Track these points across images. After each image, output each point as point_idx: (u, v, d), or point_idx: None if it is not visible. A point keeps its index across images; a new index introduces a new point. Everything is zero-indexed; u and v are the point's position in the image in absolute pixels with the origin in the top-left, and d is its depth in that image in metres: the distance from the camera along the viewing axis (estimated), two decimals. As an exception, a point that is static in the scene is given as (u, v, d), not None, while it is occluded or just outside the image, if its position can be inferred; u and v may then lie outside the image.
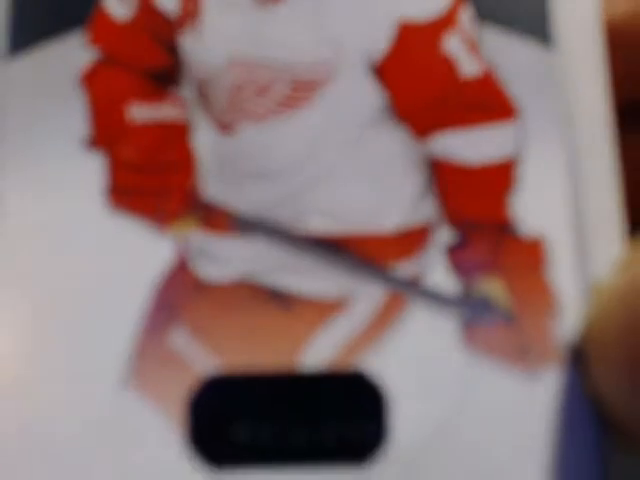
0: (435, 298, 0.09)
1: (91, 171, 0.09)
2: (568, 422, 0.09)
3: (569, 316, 0.09)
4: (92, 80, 0.10)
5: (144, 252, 0.09)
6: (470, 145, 0.10)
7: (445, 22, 0.10)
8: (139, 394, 0.09)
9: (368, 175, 0.10)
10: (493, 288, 0.09)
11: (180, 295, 0.09)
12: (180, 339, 0.09)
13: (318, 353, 0.09)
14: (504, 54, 0.10)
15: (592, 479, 0.09)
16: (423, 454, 0.09)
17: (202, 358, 0.09)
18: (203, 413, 0.09)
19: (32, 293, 0.09)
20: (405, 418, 0.09)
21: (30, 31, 0.10)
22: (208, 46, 0.10)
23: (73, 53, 0.10)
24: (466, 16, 0.10)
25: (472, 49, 0.10)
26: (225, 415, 0.09)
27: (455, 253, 0.09)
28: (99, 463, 0.09)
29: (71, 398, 0.09)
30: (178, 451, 0.09)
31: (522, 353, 0.09)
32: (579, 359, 0.09)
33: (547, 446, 0.09)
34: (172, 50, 0.10)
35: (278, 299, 0.09)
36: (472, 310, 0.09)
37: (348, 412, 0.09)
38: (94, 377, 0.09)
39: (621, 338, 0.08)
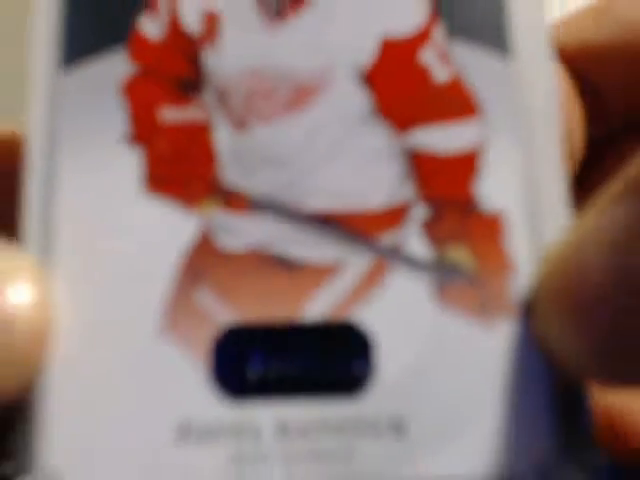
0: (413, 263, 0.11)
1: (132, 162, 0.12)
2: (520, 361, 0.11)
3: (523, 277, 0.11)
4: (131, 88, 0.12)
5: (176, 227, 0.11)
6: (441, 138, 0.12)
7: (421, 37, 0.12)
8: (172, 340, 0.11)
9: (358, 163, 0.12)
10: (460, 254, 0.11)
11: (204, 261, 0.11)
12: (204, 297, 0.11)
13: (316, 308, 0.11)
14: (469, 62, 0.12)
15: (539, 409, 0.11)
16: (402, 387, 0.11)
17: (222, 312, 0.11)
18: (223, 356, 0.11)
19: (86, 261, 0.11)
20: (387, 358, 0.11)
21: (80, 48, 0.12)
22: (225, 60, 0.12)
23: (116, 66, 0.12)
24: (438, 31, 0.12)
25: (443, 59, 0.12)
26: (241, 357, 0.11)
27: (429, 226, 0.11)
28: (139, 396, 0.11)
29: (118, 343, 0.11)
30: (203, 386, 0.11)
31: (483, 307, 0.11)
32: (530, 312, 0.11)
33: (503, 379, 0.11)
34: (196, 63, 0.12)
35: (284, 265, 0.11)
36: (443, 272, 0.11)
37: (341, 353, 0.11)
38: (136, 327, 0.11)
39: (561, 291, 0.10)
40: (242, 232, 0.11)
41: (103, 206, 0.11)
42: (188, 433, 0.11)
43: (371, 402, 0.11)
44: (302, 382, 0.11)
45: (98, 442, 0.11)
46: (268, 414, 0.11)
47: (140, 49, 0.12)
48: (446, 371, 0.11)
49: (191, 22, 0.12)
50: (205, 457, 0.10)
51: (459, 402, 0.11)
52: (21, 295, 0.10)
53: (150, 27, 0.12)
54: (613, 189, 0.10)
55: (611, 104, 0.16)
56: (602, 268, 0.09)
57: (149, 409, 0.11)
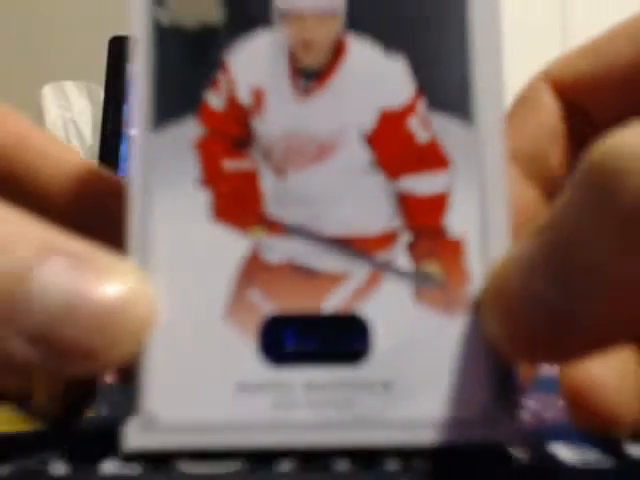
0: (399, 273, 0.16)
1: (203, 199, 0.16)
2: (470, 342, 0.16)
3: (476, 284, 0.16)
4: (201, 145, 0.16)
5: (234, 245, 0.16)
6: (421, 184, 0.16)
7: (409, 109, 0.16)
8: (232, 324, 0.16)
9: (362, 201, 0.16)
10: (433, 268, 0.16)
11: (254, 270, 0.16)
12: (254, 294, 0.16)
13: (331, 303, 0.16)
14: (443, 128, 0.16)
15: (481, 374, 0.15)
16: (389, 359, 0.16)
17: (267, 305, 0.16)
18: (267, 335, 0.16)
19: (173, 267, 0.16)
20: (379, 339, 0.16)
21: (164, 116, 0.17)
22: (268, 125, 0.17)
23: (190, 128, 0.17)
24: (421, 105, 0.16)
25: (425, 125, 0.16)
26: (279, 336, 0.16)
27: (411, 247, 0.16)
28: (210, 362, 0.16)
29: (196, 325, 0.16)
30: (254, 356, 0.16)
31: (448, 306, 0.16)
32: (478, 309, 0.16)
33: (459, 354, 0.16)
34: (247, 126, 0.17)
35: (309, 273, 0.16)
36: (420, 280, 0.16)
37: (347, 335, 0.16)
38: (208, 314, 0.16)
39: (493, 298, 0.15)
40: (280, 250, 0.16)
41: (184, 230, 0.16)
42: (244, 388, 0.16)
43: (368, 369, 0.16)
44: (321, 354, 0.16)
45: (181, 394, 0.16)
46: (298, 376, 0.16)
47: (207, 116, 0.16)
48: (420, 348, 0.16)
49: (243, 96, 0.17)
50: (255, 405, 0.16)
51: (429, 369, 0.16)
52: (132, 288, 0.15)
53: (214, 99, 0.17)
54: (537, 223, 0.15)
55: (602, 126, 0.18)
56: (518, 286, 0.14)
57: (217, 372, 0.16)
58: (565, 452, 0.15)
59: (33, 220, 0.15)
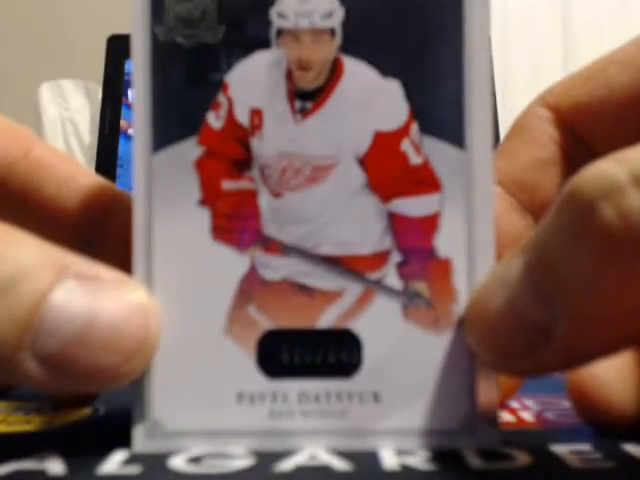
0: (389, 291, 0.17)
1: (203, 218, 0.17)
2: (454, 357, 0.17)
3: (462, 303, 0.17)
4: (201, 165, 0.17)
5: (233, 263, 0.17)
6: (413, 206, 0.17)
7: (402, 132, 0.17)
8: (232, 338, 0.17)
9: (355, 222, 0.17)
10: (421, 287, 0.17)
11: (252, 287, 0.17)
12: (253, 310, 0.17)
13: (326, 319, 0.17)
14: (434, 151, 0.17)
15: (464, 387, 0.17)
16: (379, 372, 0.17)
17: (264, 320, 0.17)
18: (265, 349, 0.17)
19: (175, 285, 0.17)
20: (370, 353, 0.17)
21: (165, 137, 0.17)
22: (266, 146, 0.17)
23: (189, 149, 0.17)
24: (414, 128, 0.17)
25: (416, 148, 0.17)
26: (276, 350, 0.17)
27: (401, 267, 0.17)
28: (211, 374, 0.17)
29: (197, 339, 0.17)
30: (252, 368, 0.17)
31: (434, 323, 0.17)
32: (463, 326, 0.17)
33: (444, 368, 0.17)
34: (246, 147, 0.17)
35: (304, 290, 0.17)
36: (409, 299, 0.17)
37: (341, 349, 0.17)
38: (209, 328, 0.17)
39: (474, 317, 0.16)
40: (277, 268, 0.17)
41: (185, 249, 0.17)
42: (243, 398, 0.17)
43: (359, 381, 0.17)
44: (315, 367, 0.17)
45: (184, 403, 0.17)
46: (293, 387, 0.17)
47: (206, 136, 0.17)
48: (409, 363, 0.17)
49: (242, 117, 0.17)
50: (253, 414, 0.17)
51: (416, 382, 0.17)
52: (142, 307, 0.16)
53: (214, 120, 0.17)
54: (516, 247, 0.15)
55: (598, 152, 0.18)
56: (500, 303, 0.15)
57: (218, 383, 0.17)
58: (566, 453, 0.16)
59: (45, 244, 0.15)
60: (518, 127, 0.20)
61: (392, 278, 0.17)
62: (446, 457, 0.16)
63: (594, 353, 0.15)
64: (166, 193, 0.17)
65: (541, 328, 0.14)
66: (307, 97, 0.17)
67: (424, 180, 0.17)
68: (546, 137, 0.19)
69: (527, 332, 0.14)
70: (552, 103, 0.19)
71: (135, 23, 0.17)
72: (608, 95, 0.18)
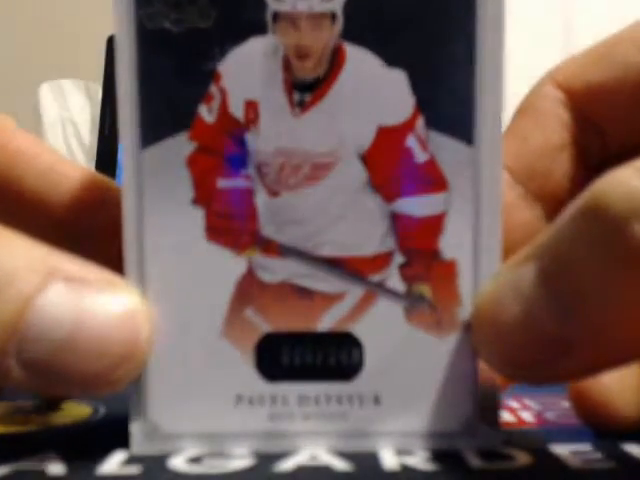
0: (392, 294, 0.16)
1: (196, 218, 0.16)
2: (457, 361, 0.16)
3: (467, 306, 0.16)
4: (193, 162, 0.16)
5: (230, 265, 0.16)
6: (417, 206, 0.16)
7: (407, 127, 0.16)
8: (230, 341, 0.16)
9: (356, 222, 0.16)
10: (424, 289, 0.16)
11: (249, 289, 0.16)
12: (250, 313, 0.16)
13: (326, 322, 0.16)
14: (441, 148, 0.16)
15: (467, 390, 0.16)
16: (380, 374, 0.16)
17: (262, 323, 0.16)
18: (263, 351, 0.16)
19: (169, 288, 0.16)
20: (371, 356, 0.16)
21: (154, 132, 0.16)
22: (263, 141, 0.16)
23: (181, 145, 0.16)
24: (420, 123, 0.16)
25: (422, 145, 0.16)
26: (275, 353, 0.16)
27: (403, 269, 0.16)
28: (209, 377, 0.16)
29: (195, 342, 0.16)
30: (251, 371, 0.16)
31: (438, 325, 0.16)
32: (469, 329, 0.16)
33: (446, 372, 0.16)
34: (241, 142, 0.16)
35: (304, 293, 0.16)
36: (411, 301, 0.16)
37: (342, 352, 0.16)
38: (207, 331, 0.16)
39: (486, 325, 0.15)
40: (274, 270, 0.16)
41: (177, 249, 0.16)
42: (242, 401, 0.16)
43: (360, 383, 0.16)
44: (315, 369, 0.16)
45: (182, 406, 0.16)
46: (293, 389, 0.16)
47: (199, 131, 0.16)
48: (410, 365, 0.16)
49: (236, 110, 0.16)
50: (252, 417, 0.16)
51: (417, 385, 0.16)
52: (133, 310, 0.15)
53: (206, 114, 0.16)
54: (526, 249, 0.15)
55: (611, 138, 0.18)
56: (516, 311, 0.14)
57: (216, 385, 0.16)
58: (566, 453, 0.16)
59: (32, 243, 0.15)
60: (528, 107, 0.18)
61: (394, 280, 0.16)
62: (446, 457, 0.16)
63: (614, 363, 0.14)
64: (157, 192, 0.16)
65: (561, 341, 0.14)
66: (306, 88, 0.16)
67: (430, 178, 0.16)
68: (558, 120, 0.18)
69: (545, 344, 0.14)
70: (563, 83, 0.18)
71: (117, 7, 0.15)
72: (623, 76, 0.17)
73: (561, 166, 0.18)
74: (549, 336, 0.14)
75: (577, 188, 0.17)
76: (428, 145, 0.16)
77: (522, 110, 0.19)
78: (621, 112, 0.18)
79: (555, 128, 0.18)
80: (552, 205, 0.18)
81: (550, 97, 0.18)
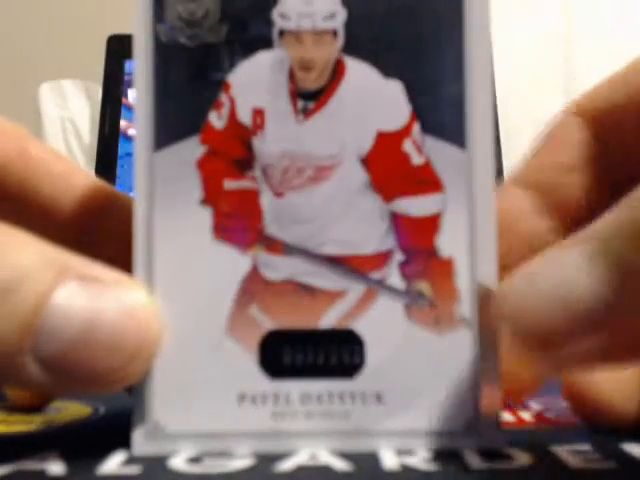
0: (392, 291, 0.17)
1: (204, 218, 0.17)
2: (457, 358, 0.17)
3: (464, 302, 0.17)
4: (203, 164, 0.17)
5: (235, 263, 0.17)
6: (415, 206, 0.17)
7: (404, 132, 0.17)
8: (234, 339, 0.17)
9: (357, 222, 0.17)
10: (423, 286, 0.17)
11: (254, 287, 0.17)
12: (254, 310, 0.17)
13: (328, 319, 0.17)
14: (436, 152, 0.17)
15: (468, 389, 0.16)
16: (382, 372, 0.17)
17: (266, 321, 0.17)
18: (266, 349, 0.17)
19: (176, 284, 0.17)
20: (373, 354, 0.17)
21: (167, 135, 0.17)
22: (268, 145, 0.17)
23: (191, 148, 0.17)
24: (416, 128, 0.17)
25: (418, 149, 0.17)
26: (278, 350, 0.17)
27: (403, 267, 0.17)
28: (213, 374, 0.17)
29: (199, 340, 0.17)
30: (254, 368, 0.17)
31: (437, 322, 0.17)
32: (471, 326, 0.17)
33: (447, 369, 0.17)
34: (248, 147, 0.17)
35: (307, 290, 0.17)
36: (411, 298, 0.17)
37: (344, 349, 0.17)
38: (211, 329, 0.17)
39: (519, 290, 0.14)
40: (279, 268, 0.17)
41: (187, 248, 0.17)
42: (245, 399, 0.17)
43: (362, 381, 0.17)
44: (318, 367, 0.17)
45: (185, 405, 0.16)
46: (296, 387, 0.17)
47: (209, 135, 0.17)
48: (411, 363, 0.17)
49: (244, 116, 0.17)
50: (255, 415, 0.16)
51: (419, 383, 0.17)
52: (144, 307, 0.15)
53: (216, 120, 0.17)
54: (563, 242, 0.14)
55: (629, 159, 0.18)
56: (546, 279, 0.13)
57: (219, 383, 0.17)
58: (566, 453, 0.16)
59: (46, 244, 0.15)
60: (547, 136, 0.20)
61: (394, 278, 0.17)
62: (446, 457, 0.16)
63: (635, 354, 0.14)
64: (167, 192, 0.17)
65: (597, 314, 0.13)
66: (309, 97, 0.17)
67: (426, 180, 0.17)
68: (574, 141, 0.19)
69: (580, 318, 0.13)
70: (584, 107, 0.19)
71: (137, 23, 0.17)
72: (632, 98, 0.18)
73: (576, 182, 0.19)
74: (585, 311, 0.13)
75: (596, 205, 0.17)
76: (424, 149, 0.17)
77: (542, 139, 0.20)
78: (635, 132, 0.18)
79: (568, 149, 0.19)
80: (566, 219, 0.19)
81: (569, 124, 0.19)
